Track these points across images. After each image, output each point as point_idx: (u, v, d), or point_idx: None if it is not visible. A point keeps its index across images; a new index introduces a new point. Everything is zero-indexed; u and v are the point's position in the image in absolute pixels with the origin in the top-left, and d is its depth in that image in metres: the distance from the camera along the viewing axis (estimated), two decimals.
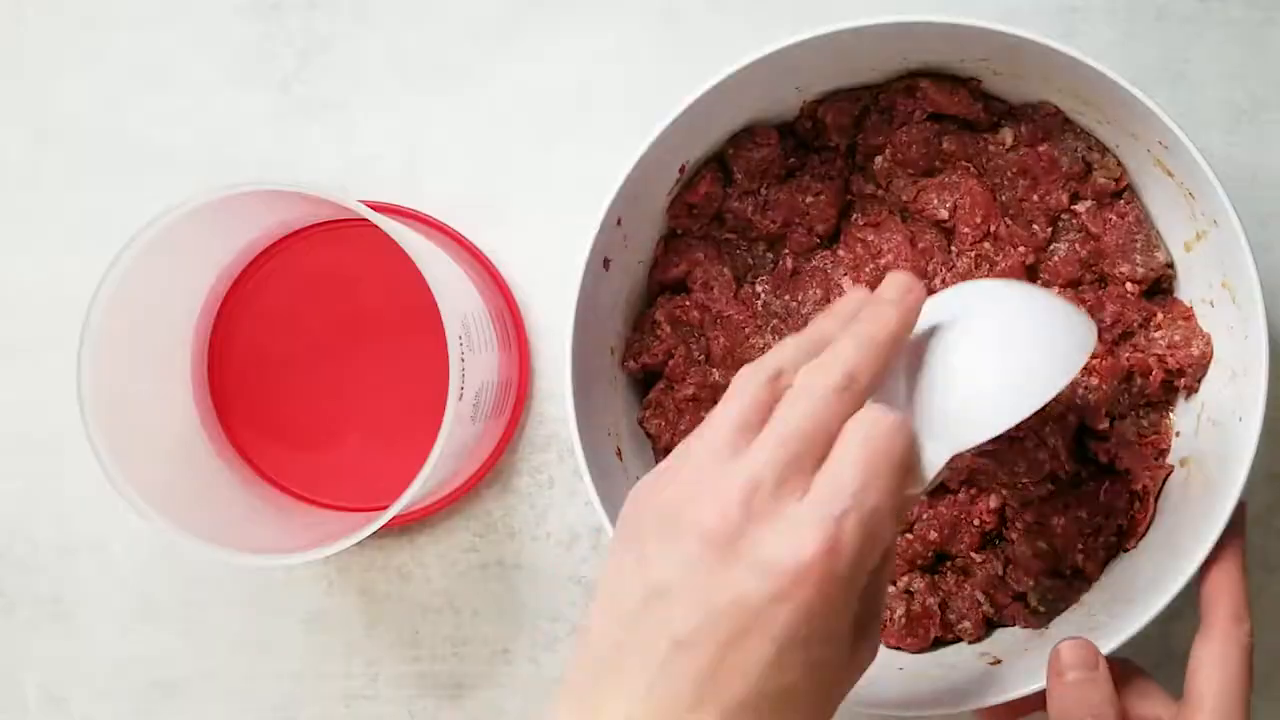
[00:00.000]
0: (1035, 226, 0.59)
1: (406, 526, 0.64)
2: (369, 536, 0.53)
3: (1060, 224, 0.59)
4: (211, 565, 0.64)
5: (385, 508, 0.53)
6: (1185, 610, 0.63)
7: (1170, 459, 0.58)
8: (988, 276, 0.58)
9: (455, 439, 0.54)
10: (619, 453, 0.58)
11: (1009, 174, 0.59)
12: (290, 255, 0.62)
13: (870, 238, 0.59)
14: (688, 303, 0.60)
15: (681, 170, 0.58)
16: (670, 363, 0.60)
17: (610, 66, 0.63)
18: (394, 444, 0.62)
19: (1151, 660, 0.62)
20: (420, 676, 0.64)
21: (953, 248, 0.59)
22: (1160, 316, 0.58)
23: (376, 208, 0.61)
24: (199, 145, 0.63)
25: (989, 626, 0.59)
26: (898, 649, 0.59)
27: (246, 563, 0.53)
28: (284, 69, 0.63)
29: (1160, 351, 0.57)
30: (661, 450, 0.60)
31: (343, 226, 0.62)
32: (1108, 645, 0.53)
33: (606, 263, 0.56)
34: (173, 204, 0.52)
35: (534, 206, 0.63)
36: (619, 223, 0.55)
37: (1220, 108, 0.62)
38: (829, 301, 0.59)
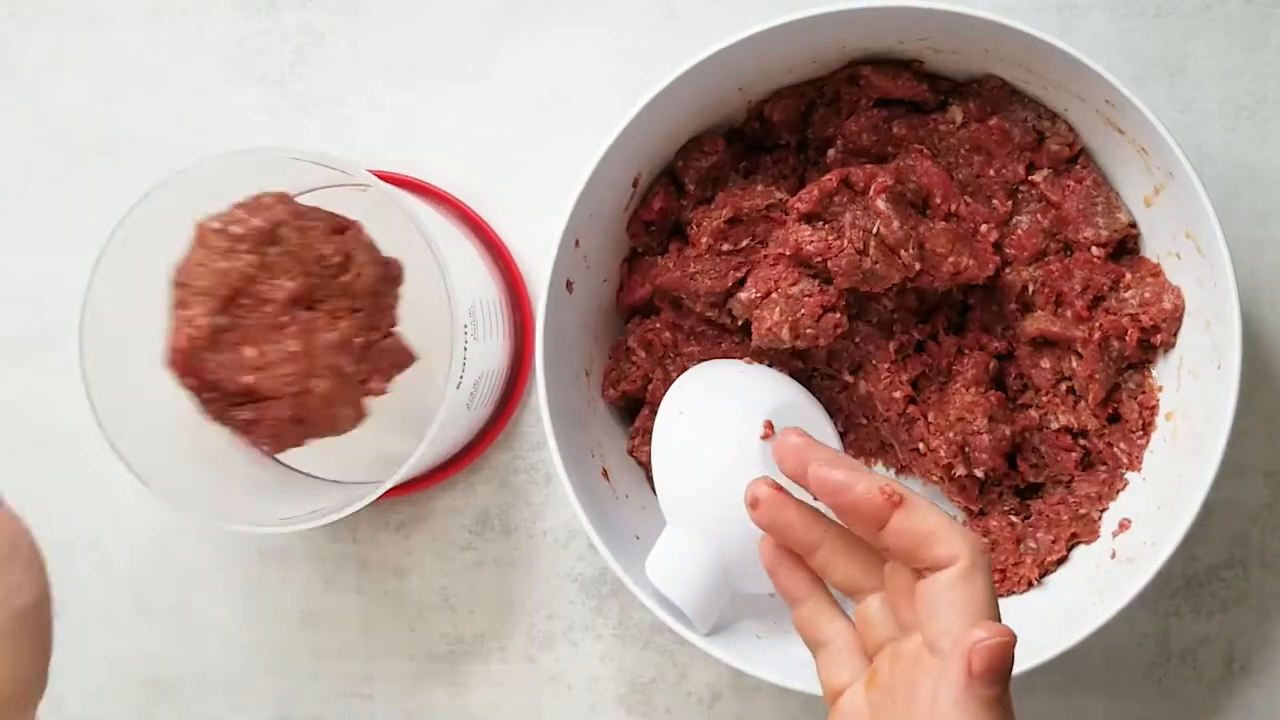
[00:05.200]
0: (995, 201, 0.58)
1: (403, 523, 0.63)
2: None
3: (1019, 195, 0.59)
4: (209, 564, 0.63)
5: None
6: (1184, 608, 0.62)
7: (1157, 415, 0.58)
8: None
9: (452, 419, 0.53)
10: (605, 473, 0.58)
11: (962, 151, 0.58)
12: None
13: None
14: (658, 324, 0.59)
15: (635, 184, 0.58)
16: (650, 387, 0.59)
17: (609, 63, 0.63)
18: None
19: (1149, 658, 0.62)
20: (416, 674, 0.63)
21: None
22: (1129, 276, 0.57)
23: (389, 179, 0.59)
24: (196, 141, 0.63)
25: None
26: None
27: (247, 530, 0.53)
28: (280, 64, 0.63)
29: (1133, 311, 0.57)
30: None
31: None
32: (1103, 613, 0.52)
33: (569, 285, 0.56)
34: (168, 173, 0.52)
35: (531, 203, 0.62)
36: (577, 244, 0.55)
37: (1219, 104, 0.61)
38: None
